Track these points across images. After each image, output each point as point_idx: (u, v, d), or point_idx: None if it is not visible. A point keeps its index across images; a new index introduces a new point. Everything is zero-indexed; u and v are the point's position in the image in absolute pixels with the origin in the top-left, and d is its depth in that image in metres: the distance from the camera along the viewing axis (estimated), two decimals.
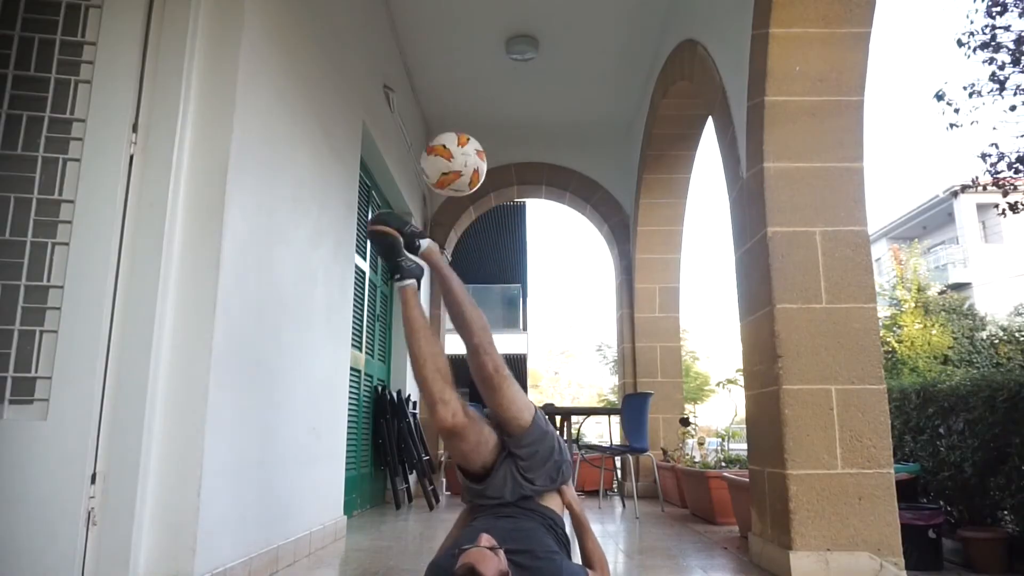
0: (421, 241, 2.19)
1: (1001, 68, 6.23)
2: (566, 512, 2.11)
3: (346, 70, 4.02)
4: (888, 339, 11.52)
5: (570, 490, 2.09)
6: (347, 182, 4.05)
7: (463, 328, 2.03)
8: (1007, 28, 6.16)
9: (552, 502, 2.02)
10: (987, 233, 21.20)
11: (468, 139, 2.20)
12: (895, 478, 2.80)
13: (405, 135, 5.77)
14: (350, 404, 4.54)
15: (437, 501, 5.50)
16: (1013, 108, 6.24)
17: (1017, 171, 6.46)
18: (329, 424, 3.65)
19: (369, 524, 4.34)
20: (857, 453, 2.80)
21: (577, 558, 2.05)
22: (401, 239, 2.14)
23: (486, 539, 1.57)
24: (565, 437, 5.17)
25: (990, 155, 6.52)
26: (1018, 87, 6.20)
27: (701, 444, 5.59)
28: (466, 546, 1.56)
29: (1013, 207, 6.49)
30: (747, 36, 3.19)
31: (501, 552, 1.55)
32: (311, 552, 3.26)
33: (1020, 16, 6.20)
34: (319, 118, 3.48)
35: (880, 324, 3.60)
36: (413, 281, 2.12)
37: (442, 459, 6.55)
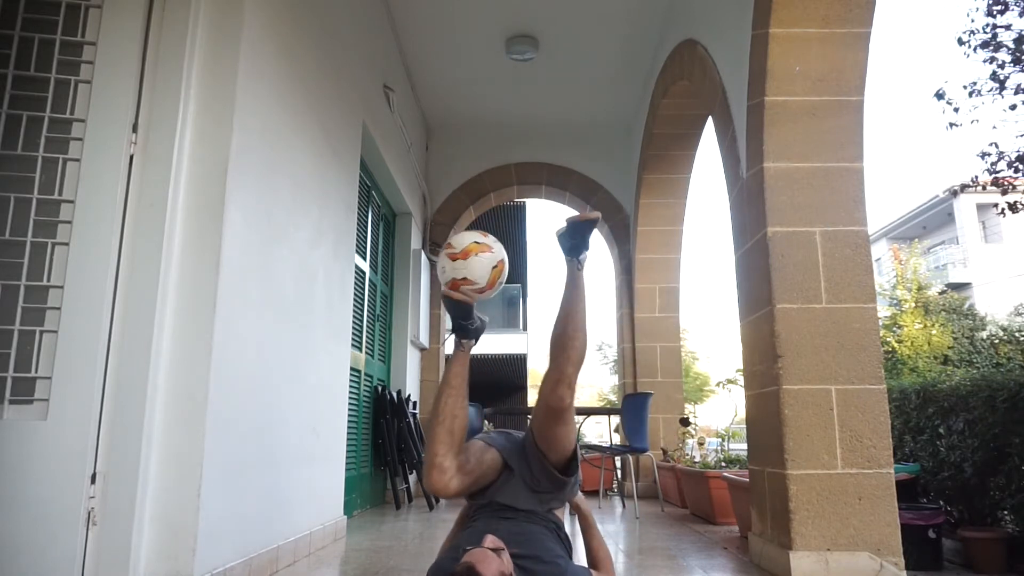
0: (584, 255, 2.07)
1: (1001, 67, 6.22)
2: (566, 512, 2.11)
3: (346, 70, 4.02)
4: (888, 339, 11.53)
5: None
6: (347, 182, 4.05)
7: (563, 352, 1.89)
8: (1008, 27, 6.16)
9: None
10: (987, 233, 21.20)
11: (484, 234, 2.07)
12: (895, 478, 2.80)
13: (405, 135, 5.77)
14: (350, 404, 4.54)
15: (437, 501, 5.49)
16: (1013, 107, 6.23)
17: (1017, 170, 6.46)
18: (329, 424, 3.65)
19: (369, 524, 4.34)
20: (857, 453, 2.80)
21: (579, 559, 2.05)
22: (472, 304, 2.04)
23: (491, 540, 1.56)
24: None
25: (990, 154, 6.51)
26: (1018, 86, 6.20)
27: (701, 444, 5.59)
28: (469, 547, 1.55)
29: (1012, 207, 6.49)
30: (747, 36, 3.19)
31: (505, 554, 1.54)
32: (311, 552, 3.26)
33: (1021, 15, 6.20)
34: (319, 118, 3.48)
35: (880, 324, 3.60)
36: (475, 341, 2.06)
37: None
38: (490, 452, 1.95)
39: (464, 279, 1.96)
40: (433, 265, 6.78)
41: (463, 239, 2.02)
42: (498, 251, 2.03)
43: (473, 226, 7.56)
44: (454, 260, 1.98)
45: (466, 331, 2.02)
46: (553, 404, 1.86)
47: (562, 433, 1.88)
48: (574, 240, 2.05)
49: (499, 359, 14.29)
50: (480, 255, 1.98)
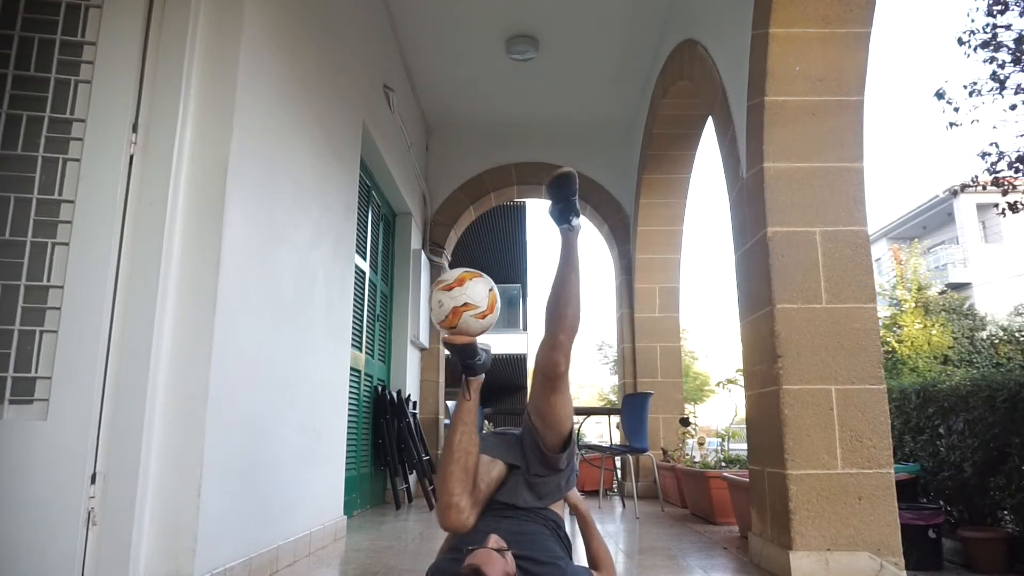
0: (574, 222, 2.05)
1: (1001, 67, 6.22)
2: (566, 511, 2.11)
3: (346, 70, 4.02)
4: (888, 339, 11.52)
5: (574, 492, 2.08)
6: (347, 182, 4.05)
7: (557, 318, 1.90)
8: (1008, 27, 6.16)
9: (555, 504, 2.01)
10: (987, 233, 21.20)
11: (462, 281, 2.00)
12: (895, 478, 2.80)
13: (405, 135, 5.77)
14: (350, 404, 4.54)
15: (437, 501, 5.49)
16: (1013, 107, 6.24)
17: (1017, 170, 6.46)
18: (329, 424, 3.65)
19: (369, 524, 4.34)
20: (857, 453, 2.80)
21: (579, 558, 2.04)
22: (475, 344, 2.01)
23: (495, 540, 1.56)
24: None
25: (990, 154, 6.52)
26: (1018, 86, 6.20)
27: (701, 444, 5.59)
28: (473, 547, 1.54)
29: (1013, 207, 6.49)
30: (747, 36, 3.19)
31: (509, 554, 1.53)
32: (311, 552, 3.26)
33: (1021, 15, 6.21)
34: (319, 118, 3.48)
35: (880, 324, 3.60)
36: (483, 376, 2.04)
37: None
38: (496, 467, 1.94)
39: (465, 304, 1.92)
40: (433, 264, 6.78)
41: (451, 272, 2.01)
42: (487, 279, 2.01)
43: (466, 233, 7.58)
44: (450, 290, 1.94)
45: (473, 369, 1.99)
46: (548, 371, 1.86)
47: (557, 404, 1.87)
48: (558, 204, 2.05)
49: (499, 359, 14.29)
50: (474, 280, 1.96)
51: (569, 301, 1.92)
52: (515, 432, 2.08)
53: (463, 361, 1.97)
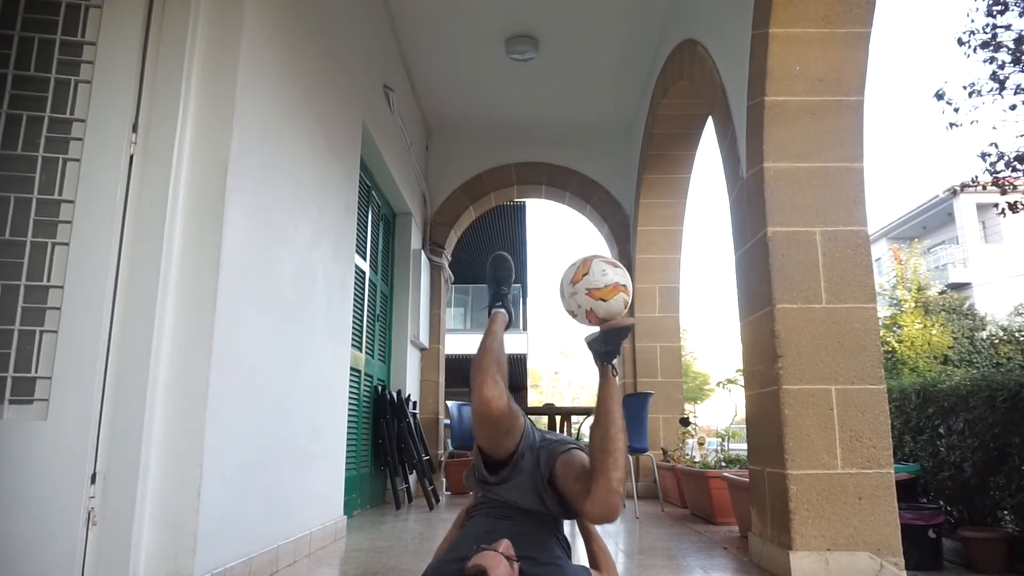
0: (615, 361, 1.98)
1: (1001, 67, 6.23)
2: None
3: (346, 70, 4.02)
4: (888, 339, 11.52)
5: None
6: (347, 182, 4.05)
7: (609, 455, 1.69)
8: (1008, 27, 6.17)
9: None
10: (987, 233, 21.21)
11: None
12: (895, 478, 2.80)
13: (405, 135, 5.77)
14: (350, 404, 4.54)
15: (437, 501, 5.49)
16: (1013, 107, 6.24)
17: (1016, 170, 6.47)
18: (329, 424, 3.65)
19: (369, 524, 4.34)
20: (857, 453, 2.80)
21: (578, 558, 2.04)
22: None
23: (506, 546, 1.54)
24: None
25: (990, 154, 6.52)
26: (1018, 86, 6.20)
27: (701, 444, 5.59)
28: (483, 545, 1.53)
29: (1012, 206, 6.50)
30: (747, 36, 3.19)
31: (516, 564, 1.52)
32: (311, 552, 3.26)
33: (1021, 15, 6.21)
34: (319, 118, 3.48)
35: (880, 324, 3.60)
36: (506, 313, 2.13)
37: (442, 459, 6.55)
38: (521, 416, 1.93)
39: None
40: (432, 265, 6.78)
41: (571, 270, 1.99)
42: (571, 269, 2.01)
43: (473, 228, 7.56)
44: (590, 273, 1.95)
45: (503, 299, 2.19)
46: (610, 516, 1.68)
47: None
48: (609, 347, 1.94)
49: None
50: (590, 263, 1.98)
51: (622, 437, 1.75)
52: (532, 431, 2.03)
53: (500, 286, 2.26)
